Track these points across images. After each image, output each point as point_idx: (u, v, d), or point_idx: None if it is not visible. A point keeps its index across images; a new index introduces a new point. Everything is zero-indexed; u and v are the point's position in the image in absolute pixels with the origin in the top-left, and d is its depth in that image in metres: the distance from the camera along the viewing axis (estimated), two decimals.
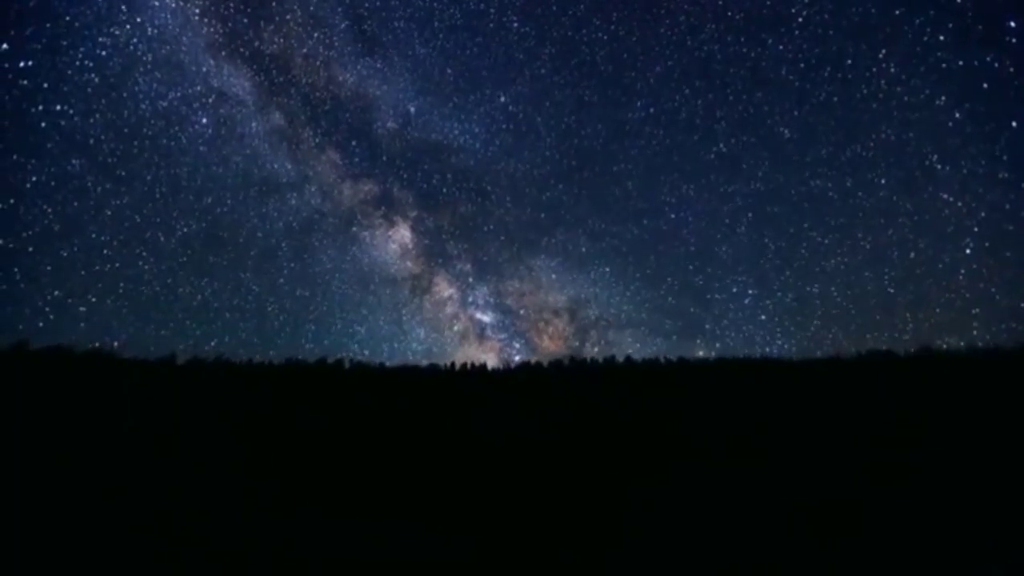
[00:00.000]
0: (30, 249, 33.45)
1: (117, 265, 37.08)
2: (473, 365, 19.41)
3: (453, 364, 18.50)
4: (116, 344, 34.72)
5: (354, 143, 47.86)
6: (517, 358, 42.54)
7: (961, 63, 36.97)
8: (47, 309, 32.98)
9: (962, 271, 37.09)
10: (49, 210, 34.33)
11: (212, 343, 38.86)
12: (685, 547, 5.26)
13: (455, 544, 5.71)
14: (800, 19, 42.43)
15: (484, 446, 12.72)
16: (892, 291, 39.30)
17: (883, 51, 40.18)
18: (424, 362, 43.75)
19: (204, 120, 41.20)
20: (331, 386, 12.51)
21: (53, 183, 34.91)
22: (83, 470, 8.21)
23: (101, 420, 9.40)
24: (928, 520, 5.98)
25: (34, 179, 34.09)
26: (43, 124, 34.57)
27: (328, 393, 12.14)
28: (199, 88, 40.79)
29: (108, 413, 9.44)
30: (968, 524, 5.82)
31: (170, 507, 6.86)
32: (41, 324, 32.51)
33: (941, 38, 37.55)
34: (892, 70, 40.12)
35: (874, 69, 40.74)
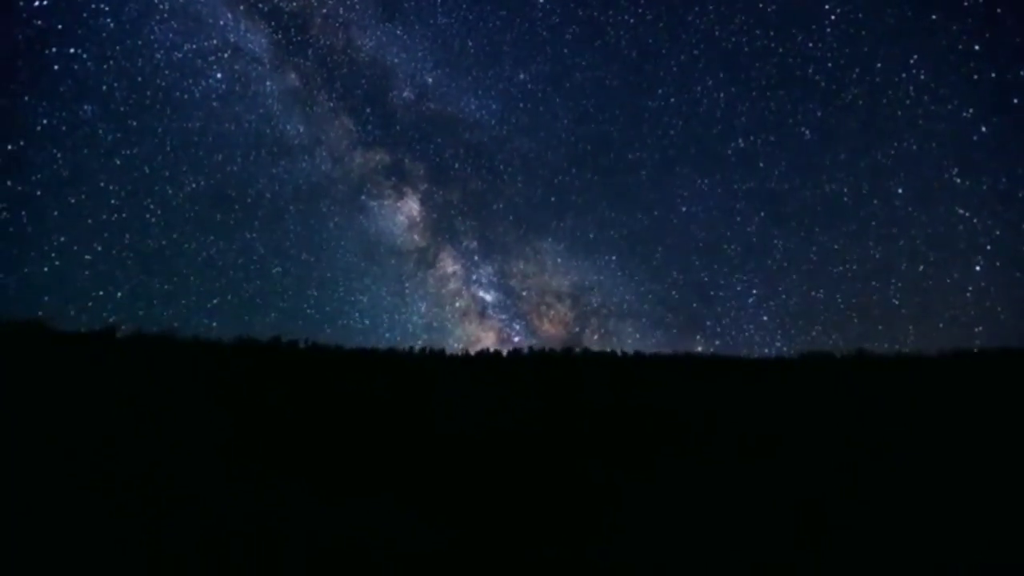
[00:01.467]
0: (38, 193, 33.65)
1: (124, 216, 37.32)
2: (432, 350, 20.33)
3: (412, 348, 19.39)
4: (120, 295, 35.35)
5: (368, 110, 47.33)
6: (517, 340, 43.44)
7: (993, 75, 35.26)
8: (52, 255, 33.43)
9: (970, 288, 37.31)
10: (59, 155, 34.42)
11: (214, 301, 39.50)
12: (669, 543, 5.32)
13: (435, 532, 5.70)
14: (833, 16, 40.73)
15: (453, 434, 12.98)
16: (896, 302, 39.64)
17: (915, 56, 38.24)
18: (424, 336, 44.45)
19: (219, 75, 40.66)
20: (285, 367, 13.33)
21: (64, 128, 34.92)
22: (21, 450, 8.20)
23: (38, 395, 9.43)
24: (914, 521, 6.10)
25: (44, 122, 34.01)
26: (56, 67, 34.18)
27: (281, 374, 12.94)
28: (215, 42, 40.18)
29: (43, 389, 9.55)
30: (952, 525, 5.93)
31: (120, 491, 7.24)
32: (45, 269, 32.96)
33: (976, 47, 35.82)
34: (922, 77, 37.91)
35: (903, 74, 38.65)
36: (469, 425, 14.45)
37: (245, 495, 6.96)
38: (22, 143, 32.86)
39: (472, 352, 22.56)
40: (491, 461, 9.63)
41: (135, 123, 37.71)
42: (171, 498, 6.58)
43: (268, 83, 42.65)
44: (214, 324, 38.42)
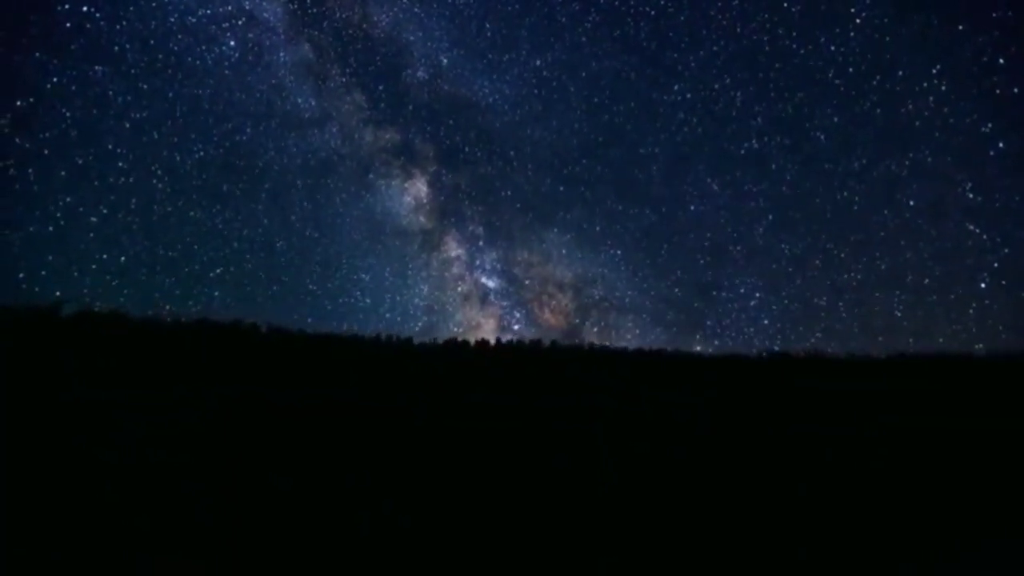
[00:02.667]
0: (45, 152, 33.09)
1: (131, 180, 36.80)
2: (398, 337, 20.54)
3: (379, 335, 19.57)
4: (123, 259, 34.72)
5: (381, 88, 46.63)
6: (516, 328, 43.35)
7: (1016, 90, 34.59)
8: (58, 215, 32.92)
9: (973, 305, 36.87)
10: (68, 114, 33.82)
11: (217, 270, 39.05)
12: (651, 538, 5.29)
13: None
14: (858, 20, 38.72)
15: (430, 426, 12.90)
16: (899, 314, 39.34)
17: (937, 67, 37.27)
18: (424, 319, 44.05)
19: (232, 43, 39.82)
20: (244, 351, 13.42)
21: (74, 87, 34.25)
22: None
23: None
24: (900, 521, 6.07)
25: (55, 80, 33.37)
26: (68, 24, 33.25)
27: (242, 359, 13.04)
28: (230, 8, 39.31)
29: None
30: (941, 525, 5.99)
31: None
32: (51, 228, 32.39)
33: (1000, 61, 35.02)
34: (943, 88, 37.25)
35: (924, 84, 37.83)
36: (434, 413, 14.62)
37: (215, 478, 6.82)
38: (31, 100, 31.97)
39: (440, 340, 22.86)
40: (462, 447, 9.61)
41: (146, 86, 36.83)
42: (137, 481, 6.41)
43: (281, 53, 41.79)
44: (216, 293, 37.91)
